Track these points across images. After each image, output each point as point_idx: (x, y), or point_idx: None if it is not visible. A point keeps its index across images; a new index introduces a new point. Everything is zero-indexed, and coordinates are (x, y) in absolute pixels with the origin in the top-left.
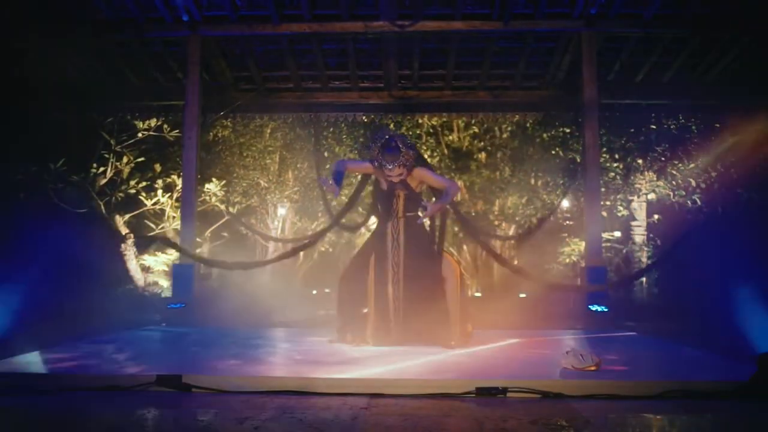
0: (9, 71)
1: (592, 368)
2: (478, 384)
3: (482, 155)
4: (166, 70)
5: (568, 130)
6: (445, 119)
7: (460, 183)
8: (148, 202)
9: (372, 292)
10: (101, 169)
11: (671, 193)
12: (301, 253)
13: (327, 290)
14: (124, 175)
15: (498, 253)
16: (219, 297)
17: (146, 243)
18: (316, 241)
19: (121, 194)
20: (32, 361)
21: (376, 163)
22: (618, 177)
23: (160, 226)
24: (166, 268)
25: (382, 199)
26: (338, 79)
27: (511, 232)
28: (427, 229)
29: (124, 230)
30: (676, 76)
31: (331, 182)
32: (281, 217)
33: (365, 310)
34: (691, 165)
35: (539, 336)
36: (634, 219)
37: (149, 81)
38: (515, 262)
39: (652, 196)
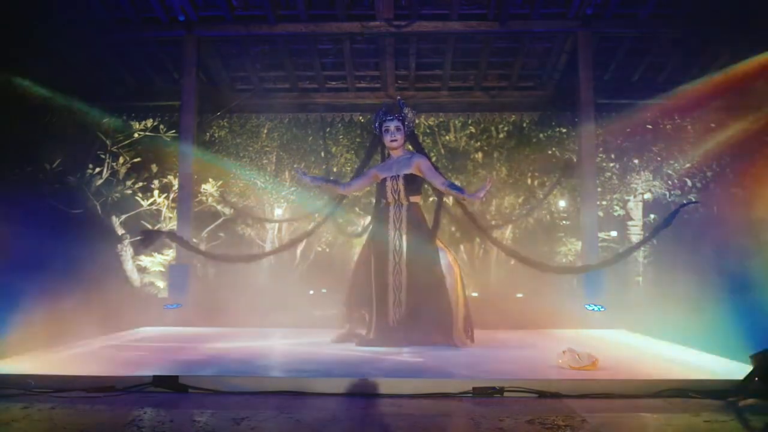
0: (4, 71)
1: (589, 367)
2: (475, 384)
3: (479, 155)
4: (162, 71)
5: (564, 130)
6: (441, 119)
7: (456, 183)
8: (145, 203)
9: (373, 284)
10: (97, 169)
11: (667, 193)
12: (298, 253)
13: (324, 290)
14: (120, 176)
15: (502, 243)
16: (216, 297)
17: (154, 237)
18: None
19: (117, 195)
20: (29, 362)
21: (377, 123)
22: (614, 177)
23: (156, 227)
24: (163, 269)
25: (384, 186)
26: (335, 80)
27: (508, 232)
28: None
29: (120, 231)
30: (672, 76)
31: (308, 178)
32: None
33: (366, 310)
34: (687, 165)
35: (536, 335)
36: (631, 218)
37: (145, 81)
38: (512, 262)
39: (648, 195)
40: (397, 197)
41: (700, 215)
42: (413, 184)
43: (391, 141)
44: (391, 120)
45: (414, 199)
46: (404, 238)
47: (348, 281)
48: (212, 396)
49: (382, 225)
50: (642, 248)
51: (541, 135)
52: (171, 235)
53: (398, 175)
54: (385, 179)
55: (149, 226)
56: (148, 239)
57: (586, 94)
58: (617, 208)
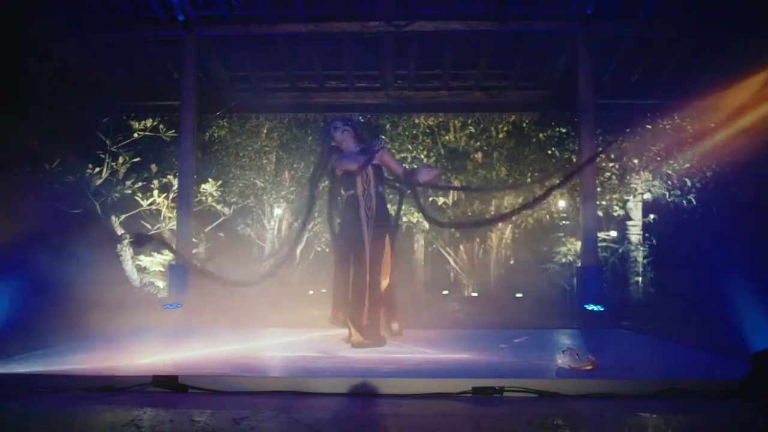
0: (4, 71)
1: (588, 367)
2: (474, 384)
3: (478, 155)
4: (161, 70)
5: (564, 130)
6: (441, 119)
7: (456, 183)
8: (144, 203)
9: (351, 285)
10: (97, 169)
11: (667, 193)
12: (298, 253)
13: (324, 290)
14: (120, 176)
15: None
16: (215, 297)
17: (145, 240)
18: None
19: (116, 195)
20: (28, 361)
21: (335, 126)
22: (614, 177)
23: (156, 227)
24: (162, 269)
25: (353, 176)
26: (334, 80)
27: (507, 232)
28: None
29: (119, 231)
30: (671, 76)
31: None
32: (278, 218)
33: (348, 314)
34: (687, 165)
35: (536, 335)
36: (630, 218)
37: (145, 81)
38: (511, 262)
39: (647, 195)
40: (367, 187)
41: (699, 215)
42: (381, 173)
43: (339, 140)
44: (351, 129)
45: (380, 188)
46: (373, 229)
47: (333, 283)
48: (212, 396)
49: (354, 218)
50: (642, 249)
51: (540, 135)
52: (162, 240)
53: (369, 168)
54: (353, 171)
55: (149, 226)
56: (140, 242)
57: (585, 94)
58: (617, 208)
